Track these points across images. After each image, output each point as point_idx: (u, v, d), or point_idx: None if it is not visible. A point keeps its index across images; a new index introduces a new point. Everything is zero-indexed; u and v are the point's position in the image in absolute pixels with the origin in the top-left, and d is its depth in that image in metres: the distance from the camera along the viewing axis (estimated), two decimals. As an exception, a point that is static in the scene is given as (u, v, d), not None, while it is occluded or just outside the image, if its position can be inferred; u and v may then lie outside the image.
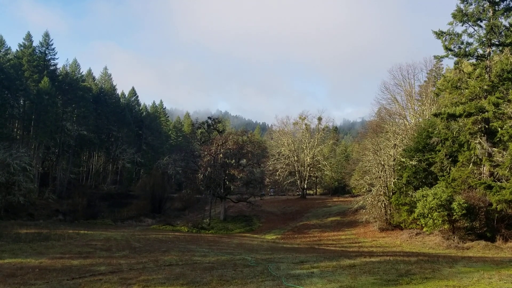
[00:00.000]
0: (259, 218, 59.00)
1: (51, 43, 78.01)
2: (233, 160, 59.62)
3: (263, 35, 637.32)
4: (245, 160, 62.54)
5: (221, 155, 58.18)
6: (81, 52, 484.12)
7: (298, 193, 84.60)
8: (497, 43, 37.69)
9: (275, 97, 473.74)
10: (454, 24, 37.90)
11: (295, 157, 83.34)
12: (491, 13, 37.22)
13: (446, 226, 34.27)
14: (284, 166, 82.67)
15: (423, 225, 35.83)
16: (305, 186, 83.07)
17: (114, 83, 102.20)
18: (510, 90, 34.89)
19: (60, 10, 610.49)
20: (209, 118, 74.26)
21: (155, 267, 16.37)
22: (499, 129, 35.52)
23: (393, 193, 43.48)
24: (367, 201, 46.17)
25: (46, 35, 77.88)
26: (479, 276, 12.30)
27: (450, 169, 38.75)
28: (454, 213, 33.32)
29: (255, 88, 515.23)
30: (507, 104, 35.87)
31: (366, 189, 47.86)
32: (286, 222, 55.68)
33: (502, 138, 35.68)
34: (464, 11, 37.50)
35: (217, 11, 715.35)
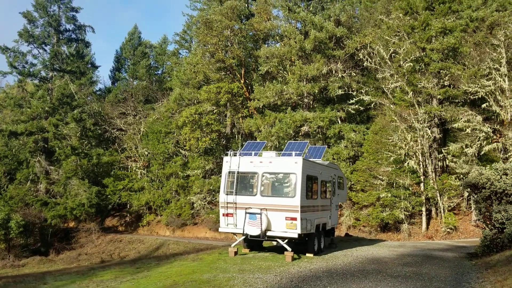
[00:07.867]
0: None
1: None
2: None
3: None
4: None
5: None
6: None
7: None
8: (59, 69, 40.64)
9: None
10: (20, 43, 38.23)
11: None
12: (55, 40, 39.94)
13: (2, 246, 33.57)
14: None
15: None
16: None
17: None
18: (69, 113, 38.51)
19: None
20: None
21: None
22: (57, 148, 38.52)
23: None
24: None
25: None
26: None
27: (7, 187, 38.27)
28: (12, 232, 33.19)
29: None
30: (64, 126, 39.46)
31: None
32: None
33: (59, 157, 38.94)
34: (30, 32, 38.47)
35: None
